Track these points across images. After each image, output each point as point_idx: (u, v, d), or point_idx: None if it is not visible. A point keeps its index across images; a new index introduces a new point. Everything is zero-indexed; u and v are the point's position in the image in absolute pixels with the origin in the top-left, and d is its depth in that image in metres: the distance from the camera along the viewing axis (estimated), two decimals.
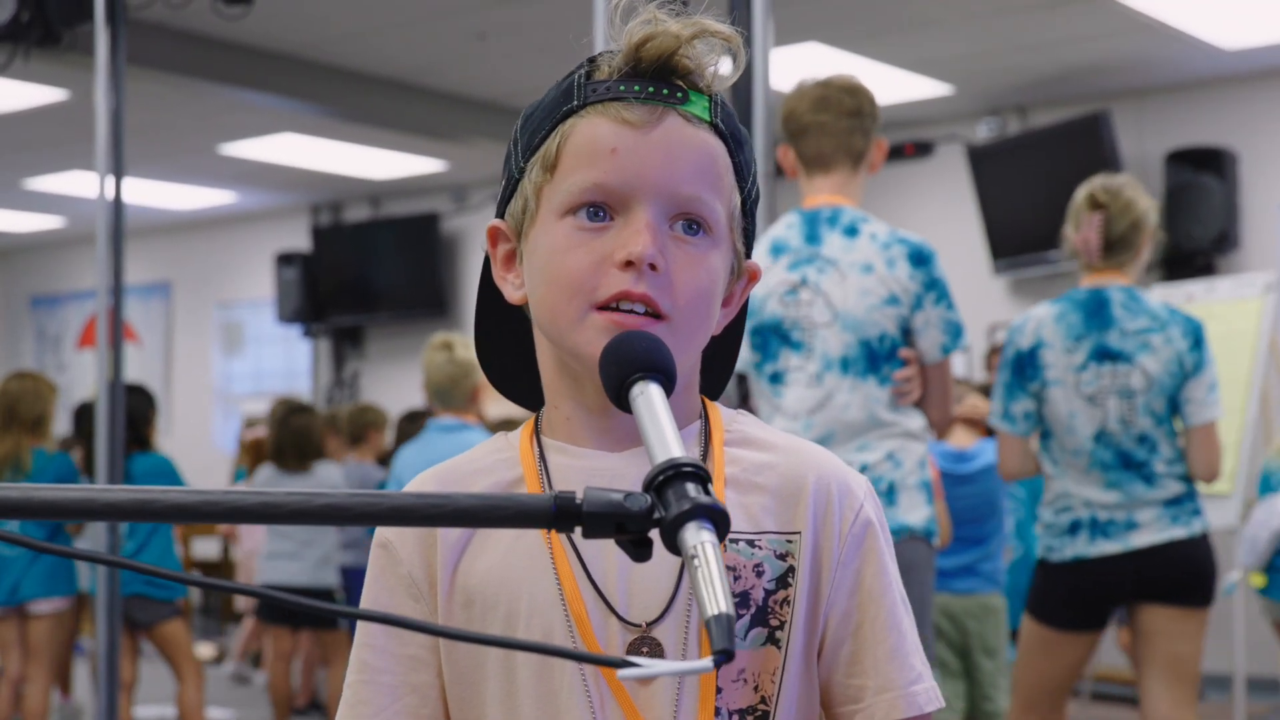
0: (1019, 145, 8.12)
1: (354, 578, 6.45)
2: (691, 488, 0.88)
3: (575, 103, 1.13)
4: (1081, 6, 6.73)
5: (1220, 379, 6.64)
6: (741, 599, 1.13)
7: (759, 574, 1.14)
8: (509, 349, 1.24)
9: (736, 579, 1.13)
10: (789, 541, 1.14)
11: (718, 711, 1.11)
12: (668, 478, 0.88)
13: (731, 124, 1.15)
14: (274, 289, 11.36)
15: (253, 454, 8.75)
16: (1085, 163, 7.72)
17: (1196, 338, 3.63)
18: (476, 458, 1.22)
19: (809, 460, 1.18)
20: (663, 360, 1.02)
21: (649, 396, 0.98)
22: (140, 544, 5.45)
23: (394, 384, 10.61)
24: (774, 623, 1.14)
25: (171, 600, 5.54)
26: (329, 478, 6.07)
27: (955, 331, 3.22)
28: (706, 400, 1.21)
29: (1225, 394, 6.65)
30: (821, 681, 1.17)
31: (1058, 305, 3.77)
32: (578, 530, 0.88)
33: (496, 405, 4.86)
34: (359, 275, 11.02)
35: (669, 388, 1.00)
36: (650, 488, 0.89)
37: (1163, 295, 7.24)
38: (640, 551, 0.90)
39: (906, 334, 3.21)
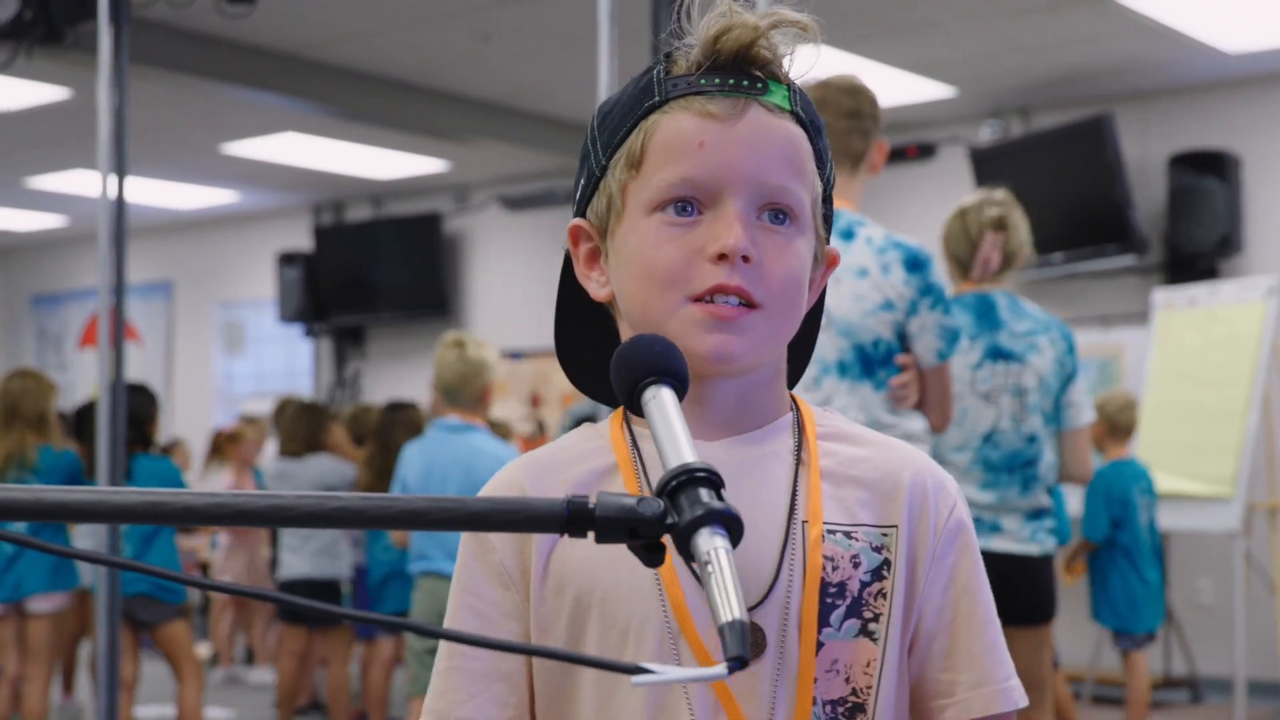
0: (1022, 148, 8.11)
1: (361, 575, 6.47)
2: (705, 493, 0.87)
3: (657, 98, 1.13)
4: (1085, 9, 6.72)
5: (1223, 382, 6.68)
6: (838, 589, 1.13)
7: (855, 565, 1.14)
8: (589, 346, 1.24)
9: (834, 569, 1.13)
10: (884, 535, 1.15)
11: (813, 701, 1.11)
12: (681, 483, 0.88)
13: (810, 111, 1.16)
14: (276, 289, 11.36)
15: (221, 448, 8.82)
16: (1088, 166, 7.74)
17: (1070, 342, 3.84)
18: (567, 446, 1.21)
19: (904, 456, 1.19)
20: (675, 363, 1.01)
21: (661, 400, 0.98)
22: (145, 545, 5.45)
23: (395, 384, 10.61)
24: (868, 614, 1.13)
25: (176, 602, 5.55)
26: (320, 466, 6.17)
27: (952, 337, 3.21)
28: (795, 395, 1.21)
29: (1228, 397, 6.69)
30: (914, 673, 1.16)
31: None
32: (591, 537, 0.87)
33: (501, 406, 4.86)
34: (361, 275, 11.02)
35: (681, 391, 1.00)
36: (663, 493, 0.89)
37: (1165, 298, 7.25)
38: (652, 557, 0.89)
39: (903, 339, 3.19)
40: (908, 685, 1.16)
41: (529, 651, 1.02)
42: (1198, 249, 7.74)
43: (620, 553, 1.10)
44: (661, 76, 1.14)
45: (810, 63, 1.16)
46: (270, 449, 8.82)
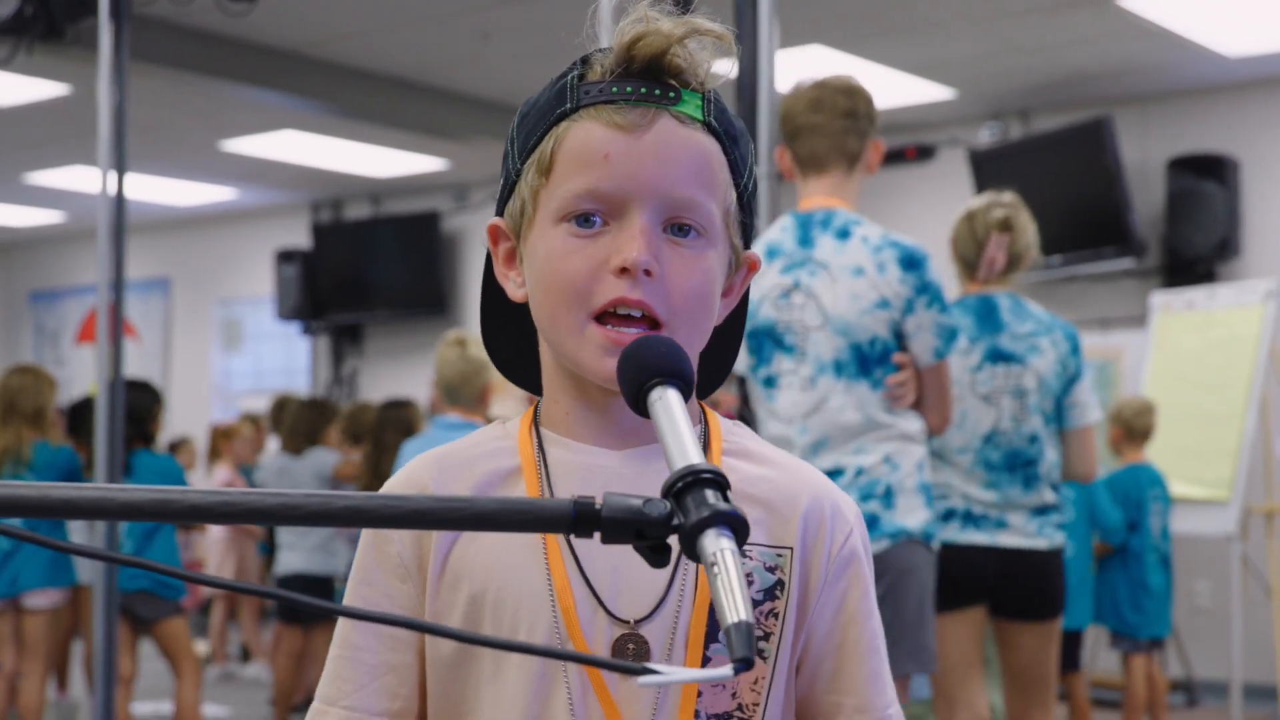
0: (1021, 150, 8.12)
1: None
2: (711, 494, 0.87)
3: (568, 105, 1.13)
4: (1085, 11, 6.73)
5: (1221, 385, 6.69)
6: None
7: (748, 584, 1.13)
8: (514, 338, 1.24)
9: None
10: (779, 555, 1.16)
11: (696, 714, 1.12)
12: (687, 484, 0.88)
13: (725, 120, 1.15)
14: (274, 286, 11.35)
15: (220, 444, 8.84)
16: (1087, 168, 7.74)
17: (1074, 343, 3.84)
18: (476, 442, 1.22)
19: (804, 479, 1.19)
20: (681, 365, 1.02)
21: (667, 402, 0.98)
22: (146, 542, 5.45)
23: (393, 382, 10.60)
24: (759, 634, 1.14)
25: (176, 598, 5.55)
26: (315, 459, 6.19)
27: (949, 335, 3.20)
28: (706, 409, 1.22)
29: (1226, 400, 6.69)
30: (800, 693, 1.18)
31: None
32: (597, 535, 0.88)
33: (499, 405, 4.86)
34: (359, 273, 11.02)
35: (687, 393, 1.00)
36: (669, 494, 0.89)
37: (1164, 301, 7.25)
38: (658, 558, 0.90)
39: (899, 338, 3.19)
40: (793, 703, 1.18)
41: (542, 654, 1.02)
42: (1196, 252, 7.75)
43: (515, 555, 1.13)
44: (575, 82, 1.14)
45: (726, 72, 1.15)
46: (271, 446, 8.83)
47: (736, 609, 0.83)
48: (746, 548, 1.13)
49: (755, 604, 1.14)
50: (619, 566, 1.12)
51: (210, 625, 8.93)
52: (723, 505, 0.87)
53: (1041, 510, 3.76)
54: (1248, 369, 6.63)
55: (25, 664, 5.48)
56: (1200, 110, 8.01)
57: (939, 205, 8.41)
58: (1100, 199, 7.75)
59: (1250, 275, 7.65)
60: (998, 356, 3.77)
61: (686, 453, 0.92)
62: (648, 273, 1.09)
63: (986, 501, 3.73)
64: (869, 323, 3.14)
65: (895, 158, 8.50)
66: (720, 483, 0.89)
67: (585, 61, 1.15)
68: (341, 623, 1.19)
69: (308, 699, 7.25)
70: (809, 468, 1.22)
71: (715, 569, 0.85)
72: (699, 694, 1.12)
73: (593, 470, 1.15)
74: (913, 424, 3.20)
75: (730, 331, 1.24)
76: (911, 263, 3.16)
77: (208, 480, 9.33)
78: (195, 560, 8.87)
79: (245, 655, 8.90)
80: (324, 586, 6.26)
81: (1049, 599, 3.78)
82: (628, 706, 1.11)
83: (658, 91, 1.11)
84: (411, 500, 0.82)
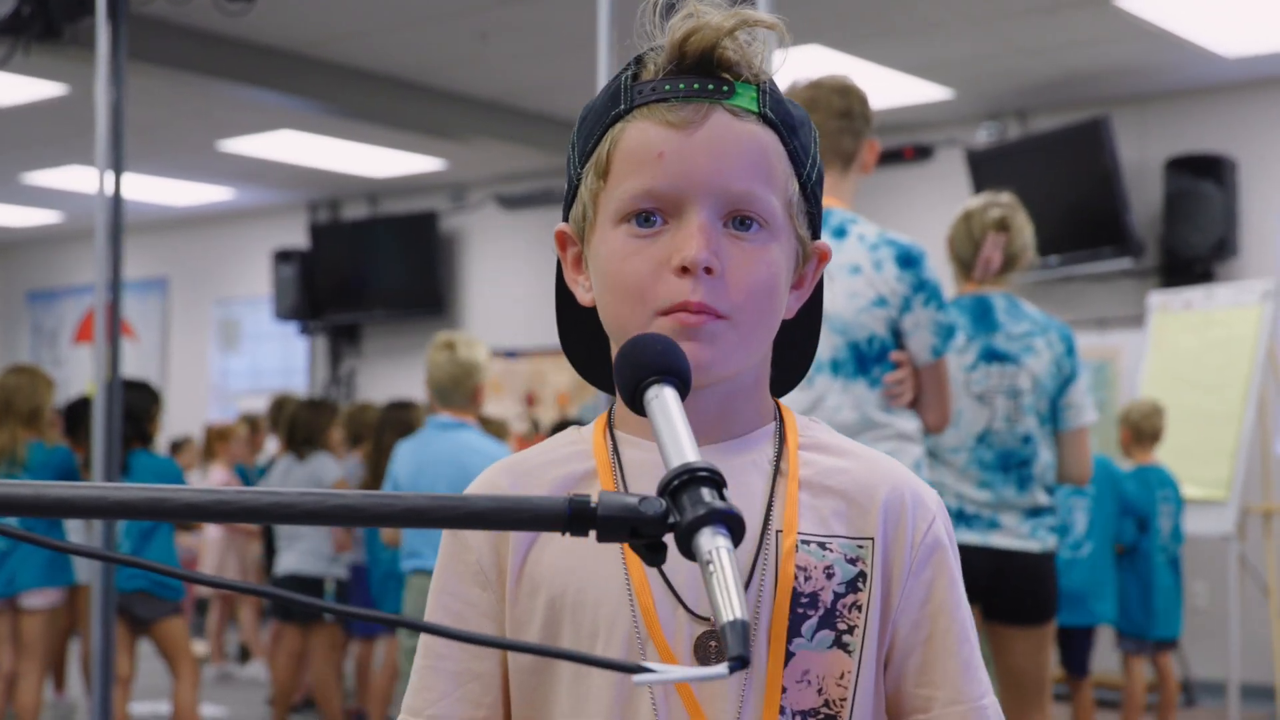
0: (1019, 150, 8.12)
1: (359, 574, 6.47)
2: (707, 493, 0.87)
3: (622, 106, 1.13)
4: (1083, 12, 6.73)
5: (1218, 385, 6.69)
6: (811, 600, 1.12)
7: (829, 576, 1.13)
8: (586, 339, 1.24)
9: (807, 579, 1.12)
10: (860, 547, 1.14)
11: (781, 710, 1.11)
12: (683, 482, 0.88)
13: (782, 110, 1.15)
14: (271, 286, 11.35)
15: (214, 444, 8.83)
16: (1085, 168, 7.74)
17: (1070, 344, 3.84)
18: (549, 449, 1.22)
19: (883, 469, 1.18)
20: (677, 363, 1.01)
21: (663, 399, 0.98)
22: (143, 542, 5.45)
23: (390, 382, 10.61)
24: (842, 626, 1.13)
25: (174, 599, 5.55)
26: (316, 465, 6.19)
27: (946, 333, 3.20)
28: (781, 404, 1.21)
29: (1224, 400, 6.69)
30: (890, 687, 1.16)
31: None
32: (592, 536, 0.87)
33: (491, 405, 4.87)
34: (356, 273, 11.02)
35: (684, 390, 1.00)
36: (665, 492, 0.89)
37: (1161, 302, 7.26)
38: (654, 556, 0.89)
39: (897, 336, 3.18)
40: (884, 698, 1.16)
41: (534, 652, 1.02)
42: (1194, 252, 7.75)
43: (592, 558, 1.12)
44: (629, 83, 1.14)
45: (780, 62, 1.15)
46: (270, 446, 8.84)
47: (732, 607, 0.83)
48: (828, 540, 1.14)
49: (837, 596, 1.13)
50: None
51: (208, 626, 8.93)
52: (718, 503, 0.87)
53: (1035, 512, 3.76)
54: (1245, 369, 6.63)
55: (22, 664, 5.47)
56: (1198, 110, 8.02)
57: (937, 205, 8.42)
58: (1098, 199, 7.75)
59: (1248, 275, 7.65)
60: (992, 356, 3.77)
61: (683, 451, 0.92)
62: (709, 270, 1.08)
63: (980, 501, 3.72)
64: (866, 321, 3.13)
65: (893, 158, 8.52)
66: (717, 481, 0.88)
67: (639, 61, 1.14)
68: (424, 635, 1.18)
69: (306, 699, 7.28)
70: (887, 458, 1.20)
71: (711, 567, 0.85)
72: (784, 690, 1.10)
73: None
74: (910, 423, 3.20)
75: (807, 325, 1.24)
76: (908, 260, 3.15)
77: (203, 481, 9.33)
78: (193, 559, 8.88)
79: (244, 655, 8.89)
80: (313, 588, 6.25)
81: (1041, 603, 3.77)
82: (711, 706, 1.10)
83: (711, 86, 1.11)
84: (405, 499, 0.82)
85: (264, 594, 0.83)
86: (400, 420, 6.06)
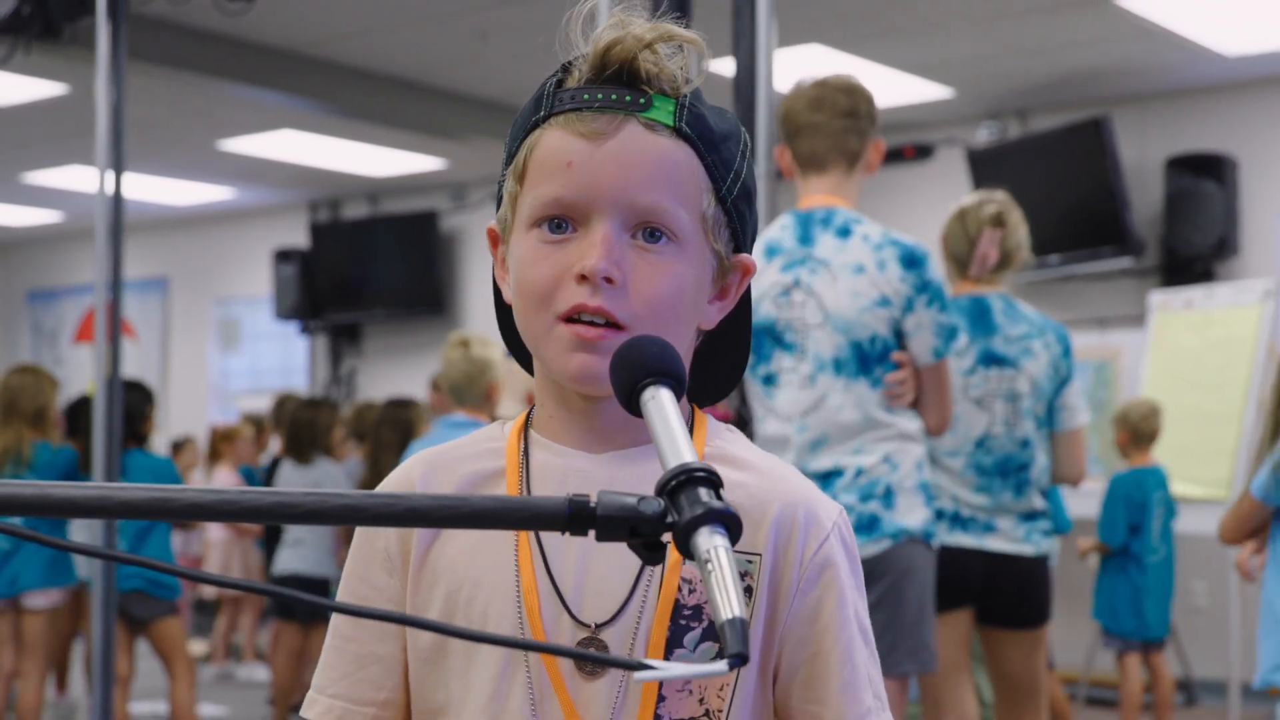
0: (1019, 149, 8.12)
1: None
2: (704, 493, 0.88)
3: (541, 113, 1.15)
4: (1083, 11, 6.73)
5: (1219, 384, 6.69)
6: (694, 612, 1.14)
7: None
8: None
9: (691, 592, 1.14)
10: (749, 561, 1.15)
11: (658, 718, 1.13)
12: (680, 482, 0.89)
13: (701, 125, 1.15)
14: (272, 286, 11.35)
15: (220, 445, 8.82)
16: (1086, 168, 7.74)
17: (1066, 345, 3.84)
18: (466, 444, 1.24)
19: (780, 485, 1.18)
20: (672, 364, 1.02)
21: (660, 401, 0.99)
22: (139, 542, 5.45)
23: (391, 381, 10.60)
24: None
25: (171, 598, 5.55)
26: (319, 472, 6.19)
27: (948, 334, 3.20)
28: (697, 411, 1.22)
29: (1224, 399, 6.69)
30: (778, 701, 1.18)
31: None
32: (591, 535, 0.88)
33: (505, 404, 4.88)
34: (357, 273, 11.02)
35: (679, 392, 1.01)
36: (663, 492, 0.90)
37: (1162, 301, 7.26)
38: (653, 555, 0.90)
39: (899, 336, 3.19)
40: (770, 708, 1.17)
41: (530, 648, 1.04)
42: (1194, 252, 7.75)
43: (488, 555, 1.15)
44: (551, 90, 1.15)
45: (697, 79, 1.15)
46: (275, 446, 8.83)
47: (730, 605, 0.84)
48: None
49: None
50: (585, 569, 1.14)
51: (215, 627, 8.91)
52: (716, 503, 0.87)
53: (1030, 516, 3.76)
54: (1246, 368, 6.63)
55: (24, 664, 5.47)
56: (1198, 110, 8.02)
57: (937, 205, 8.41)
58: (1098, 198, 7.75)
59: (1248, 275, 7.65)
60: (990, 360, 3.76)
61: (680, 451, 0.92)
62: (609, 280, 1.10)
63: (976, 505, 3.73)
64: (869, 321, 3.14)
65: (893, 157, 8.51)
66: (714, 481, 0.89)
67: (565, 68, 1.16)
68: (334, 617, 1.22)
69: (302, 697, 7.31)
70: (792, 473, 1.21)
71: (709, 566, 0.86)
72: (662, 698, 1.13)
73: (570, 473, 1.17)
74: (911, 423, 3.20)
75: (733, 337, 1.24)
76: (912, 261, 3.16)
77: (208, 483, 9.32)
78: (196, 558, 8.87)
79: (238, 655, 8.89)
80: (317, 589, 6.26)
81: (1035, 607, 3.77)
82: (587, 709, 1.12)
83: (628, 98, 1.12)
84: (407, 499, 0.82)
85: (268, 592, 0.83)
86: (399, 418, 6.06)
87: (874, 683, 1.18)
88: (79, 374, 12.20)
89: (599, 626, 1.13)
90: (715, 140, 1.16)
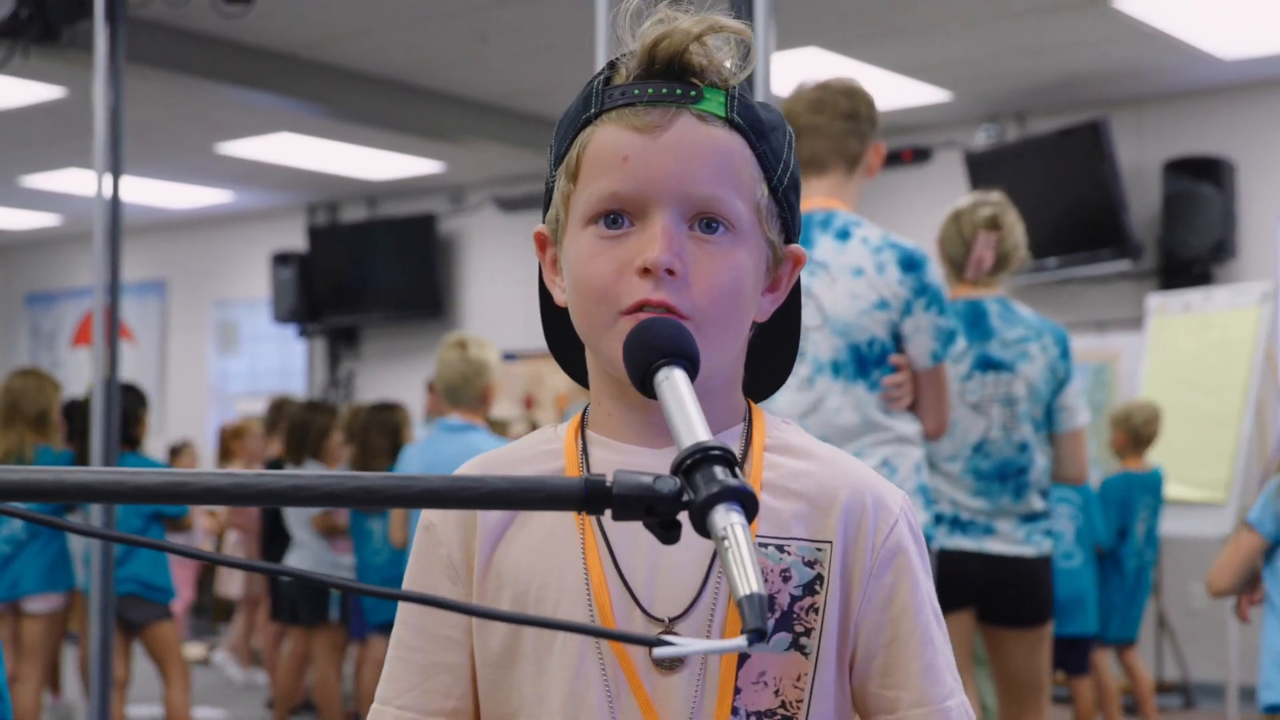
0: (1017, 152, 8.13)
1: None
2: (720, 471, 0.88)
3: (592, 111, 1.15)
4: (1081, 14, 6.74)
5: (1217, 387, 6.70)
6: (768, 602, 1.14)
7: (785, 579, 1.15)
8: (574, 339, 1.25)
9: (765, 582, 1.12)
10: (818, 549, 1.15)
11: (735, 711, 1.13)
12: (695, 461, 0.89)
13: (751, 115, 1.16)
14: (270, 288, 11.35)
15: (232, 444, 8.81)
16: (1084, 170, 7.75)
17: (1064, 346, 3.82)
18: (522, 448, 1.24)
19: (845, 472, 1.19)
20: (687, 345, 1.03)
21: (674, 381, 0.99)
22: (132, 547, 5.44)
23: (389, 385, 10.60)
24: (799, 629, 1.15)
25: (164, 602, 5.55)
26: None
27: (947, 338, 3.19)
28: (753, 404, 1.23)
29: (1222, 402, 6.69)
30: (855, 690, 1.18)
31: None
32: (608, 515, 0.89)
33: (500, 407, 4.88)
34: (355, 276, 11.02)
35: (693, 373, 1.02)
36: (679, 471, 0.90)
37: (1160, 304, 7.26)
38: (668, 534, 0.91)
39: (898, 339, 3.18)
40: (849, 699, 1.18)
41: (559, 628, 1.03)
42: (1192, 254, 7.76)
43: (554, 555, 1.15)
44: (599, 87, 1.16)
45: (746, 69, 1.16)
46: (271, 448, 8.80)
47: (748, 581, 0.84)
48: (785, 543, 1.15)
49: (794, 599, 1.14)
50: (656, 564, 1.14)
51: (233, 630, 8.86)
52: (732, 481, 0.88)
53: (1030, 518, 3.75)
54: (1244, 371, 6.64)
55: (22, 668, 5.47)
56: (1196, 112, 8.03)
57: (935, 207, 8.39)
58: (1096, 201, 7.76)
59: (1246, 277, 7.66)
60: (987, 364, 3.75)
61: (694, 431, 0.93)
62: (671, 272, 1.10)
63: (975, 508, 3.72)
64: (868, 323, 3.13)
65: (891, 160, 8.52)
66: (729, 460, 0.89)
67: (612, 66, 1.17)
68: (396, 626, 1.21)
69: (307, 702, 7.28)
70: (854, 461, 1.21)
71: (726, 543, 0.86)
72: (737, 690, 1.12)
73: (633, 469, 1.16)
74: (910, 426, 3.20)
75: (784, 329, 1.25)
76: (911, 264, 3.15)
77: None
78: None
79: (258, 658, 8.87)
80: (319, 590, 6.25)
81: (1036, 606, 3.77)
82: (664, 705, 1.12)
83: (679, 91, 1.13)
84: (423, 480, 0.82)
85: (279, 572, 0.83)
86: (385, 421, 6.06)
87: (951, 664, 1.18)
88: (77, 377, 12.18)
89: (672, 620, 1.13)
90: (765, 130, 1.17)
